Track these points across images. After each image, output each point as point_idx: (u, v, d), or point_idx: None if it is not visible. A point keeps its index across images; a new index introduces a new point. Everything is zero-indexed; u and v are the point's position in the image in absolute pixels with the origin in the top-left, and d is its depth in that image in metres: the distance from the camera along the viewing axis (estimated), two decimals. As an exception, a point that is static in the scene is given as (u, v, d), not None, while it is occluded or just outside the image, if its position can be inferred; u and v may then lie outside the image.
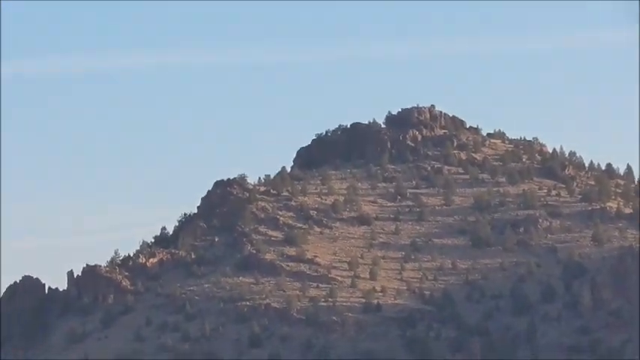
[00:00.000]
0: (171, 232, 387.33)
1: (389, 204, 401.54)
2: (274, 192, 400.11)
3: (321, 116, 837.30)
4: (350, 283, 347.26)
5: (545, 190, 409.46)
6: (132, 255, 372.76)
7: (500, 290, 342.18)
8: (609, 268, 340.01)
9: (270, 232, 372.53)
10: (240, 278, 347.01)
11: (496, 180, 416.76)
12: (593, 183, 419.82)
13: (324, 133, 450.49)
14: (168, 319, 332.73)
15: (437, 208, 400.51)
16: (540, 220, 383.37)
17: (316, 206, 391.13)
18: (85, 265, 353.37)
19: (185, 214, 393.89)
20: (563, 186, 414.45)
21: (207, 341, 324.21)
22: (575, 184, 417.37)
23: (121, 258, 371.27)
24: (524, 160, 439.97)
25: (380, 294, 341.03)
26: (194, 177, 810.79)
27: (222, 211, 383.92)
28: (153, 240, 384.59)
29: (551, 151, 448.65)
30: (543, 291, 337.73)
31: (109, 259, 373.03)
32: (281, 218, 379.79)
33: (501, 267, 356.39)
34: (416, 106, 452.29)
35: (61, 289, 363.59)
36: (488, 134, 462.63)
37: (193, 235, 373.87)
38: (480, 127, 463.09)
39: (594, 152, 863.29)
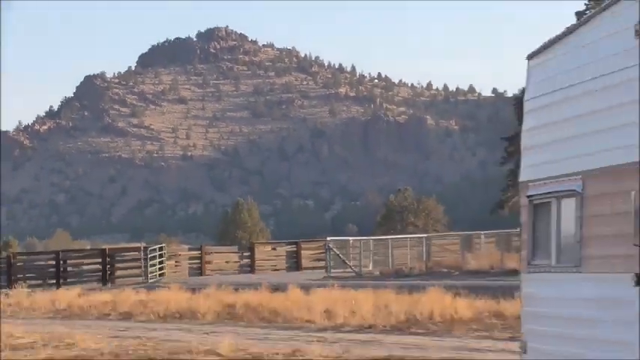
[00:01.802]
0: (56, 109, 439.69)
1: (198, 90, 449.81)
2: (124, 83, 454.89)
3: (155, 29, 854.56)
4: (173, 142, 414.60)
5: (299, 81, 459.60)
6: (30, 124, 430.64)
7: (271, 146, 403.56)
8: (340, 132, 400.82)
9: (122, 109, 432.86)
10: (102, 139, 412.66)
11: (267, 74, 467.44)
12: (330, 76, 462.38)
13: (157, 43, 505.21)
14: (55, 165, 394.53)
15: (230, 92, 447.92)
16: (296, 100, 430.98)
17: (151, 92, 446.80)
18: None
19: (65, 97, 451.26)
20: (311, 78, 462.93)
21: (81, 180, 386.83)
22: (318, 76, 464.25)
23: (22, 126, 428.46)
24: (286, 61, 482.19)
25: (193, 148, 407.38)
26: (71, 70, 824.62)
27: (90, 94, 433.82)
28: (44, 114, 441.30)
29: (303, 56, 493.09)
30: (297, 147, 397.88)
31: (14, 126, 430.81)
32: (128, 100, 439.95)
33: (271, 131, 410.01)
34: (216, 26, 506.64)
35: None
36: (263, 45, 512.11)
37: (71, 110, 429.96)
38: (257, 39, 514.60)
39: (333, 54, 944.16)
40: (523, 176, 9.81)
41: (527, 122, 9.79)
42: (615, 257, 7.95)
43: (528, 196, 9.67)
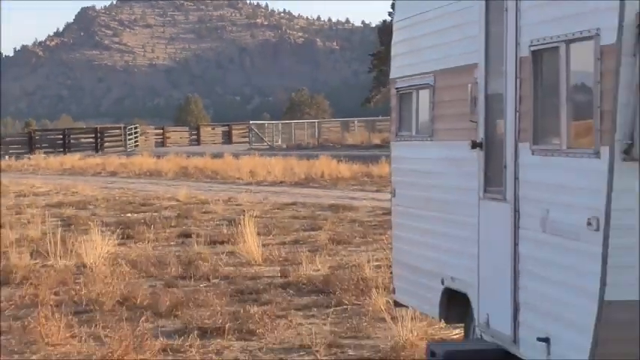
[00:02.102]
0: (61, 30, 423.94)
1: (160, 19, 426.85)
2: (108, 13, 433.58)
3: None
4: (142, 55, 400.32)
5: (229, 13, 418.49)
6: (42, 40, 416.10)
7: (210, 59, 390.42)
8: (258, 49, 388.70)
9: (107, 31, 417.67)
10: (93, 52, 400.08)
11: (208, 9, 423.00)
12: (251, 10, 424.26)
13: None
14: (60, 70, 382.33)
15: (182, 20, 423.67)
16: (227, 27, 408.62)
17: (127, 19, 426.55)
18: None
19: (67, 22, 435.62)
20: (237, 11, 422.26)
21: (79, 80, 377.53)
22: (242, 10, 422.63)
23: (37, 42, 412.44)
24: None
25: (157, 59, 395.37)
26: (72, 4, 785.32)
27: (85, 20, 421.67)
28: (52, 33, 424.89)
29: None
30: (229, 60, 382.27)
31: (32, 41, 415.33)
32: (111, 25, 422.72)
33: (210, 48, 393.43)
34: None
35: None
36: None
37: (71, 31, 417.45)
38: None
39: None
40: (393, 75, 9.68)
41: (396, 37, 9.67)
42: (457, 130, 7.92)
43: (396, 88, 9.58)
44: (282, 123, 76.22)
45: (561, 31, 6.39)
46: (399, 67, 9.56)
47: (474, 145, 7.60)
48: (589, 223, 5.93)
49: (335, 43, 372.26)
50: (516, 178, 7.02)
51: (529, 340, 6.79)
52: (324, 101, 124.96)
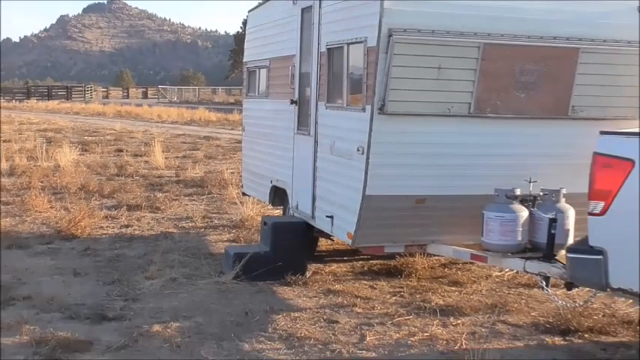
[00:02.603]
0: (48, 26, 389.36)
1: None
2: (79, 19, 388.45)
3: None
4: None
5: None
6: None
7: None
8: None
9: (76, 31, 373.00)
10: (66, 42, 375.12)
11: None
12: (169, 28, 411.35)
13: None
14: None
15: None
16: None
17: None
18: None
19: (51, 23, 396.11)
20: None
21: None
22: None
23: None
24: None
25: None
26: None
27: (62, 22, 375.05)
28: None
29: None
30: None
31: None
32: (78, 25, 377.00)
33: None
34: None
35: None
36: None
37: (55, 29, 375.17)
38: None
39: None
40: (245, 59, 9.17)
41: (248, 37, 9.22)
42: (282, 93, 7.62)
43: (247, 68, 9.07)
44: (177, 88, 74.13)
45: (345, 37, 6.22)
46: (249, 54, 9.14)
47: (292, 102, 7.37)
48: (358, 149, 5.84)
49: (209, 43, 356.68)
50: (316, 122, 6.82)
51: (321, 216, 6.69)
52: (201, 76, 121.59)
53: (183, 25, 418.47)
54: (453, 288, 6.60)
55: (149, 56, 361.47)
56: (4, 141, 19.55)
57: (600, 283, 4.12)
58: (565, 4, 5.58)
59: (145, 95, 75.11)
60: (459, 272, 7.01)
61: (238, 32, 67.97)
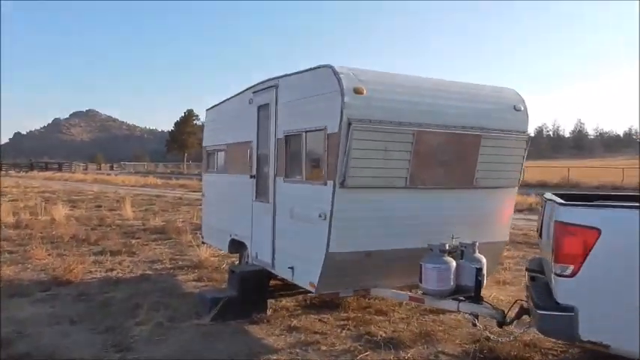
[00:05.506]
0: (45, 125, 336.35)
1: None
2: (68, 120, 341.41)
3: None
4: None
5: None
6: None
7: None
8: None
9: (65, 129, 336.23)
10: (57, 135, 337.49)
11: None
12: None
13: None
14: None
15: None
16: None
17: None
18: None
19: (48, 123, 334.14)
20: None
21: None
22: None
23: None
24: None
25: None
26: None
27: (56, 123, 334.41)
28: None
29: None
30: None
31: None
32: (67, 124, 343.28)
33: None
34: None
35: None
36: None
37: (51, 127, 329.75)
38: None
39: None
40: (204, 143, 7.39)
41: (207, 128, 7.41)
42: (241, 169, 5.93)
43: (207, 150, 7.30)
44: (133, 163, 70.85)
45: (302, 126, 4.79)
46: (208, 140, 7.33)
47: (251, 176, 5.75)
48: (320, 215, 4.42)
49: (152, 136, 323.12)
50: (275, 193, 5.25)
51: (282, 267, 5.07)
52: (147, 155, 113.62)
53: (135, 124, 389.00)
54: (382, 317, 5.17)
55: (113, 144, 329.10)
56: (13, 200, 16.44)
57: (571, 336, 2.99)
58: (471, 104, 4.89)
59: (111, 168, 69.21)
60: (377, 301, 5.68)
61: (171, 130, 64.86)
